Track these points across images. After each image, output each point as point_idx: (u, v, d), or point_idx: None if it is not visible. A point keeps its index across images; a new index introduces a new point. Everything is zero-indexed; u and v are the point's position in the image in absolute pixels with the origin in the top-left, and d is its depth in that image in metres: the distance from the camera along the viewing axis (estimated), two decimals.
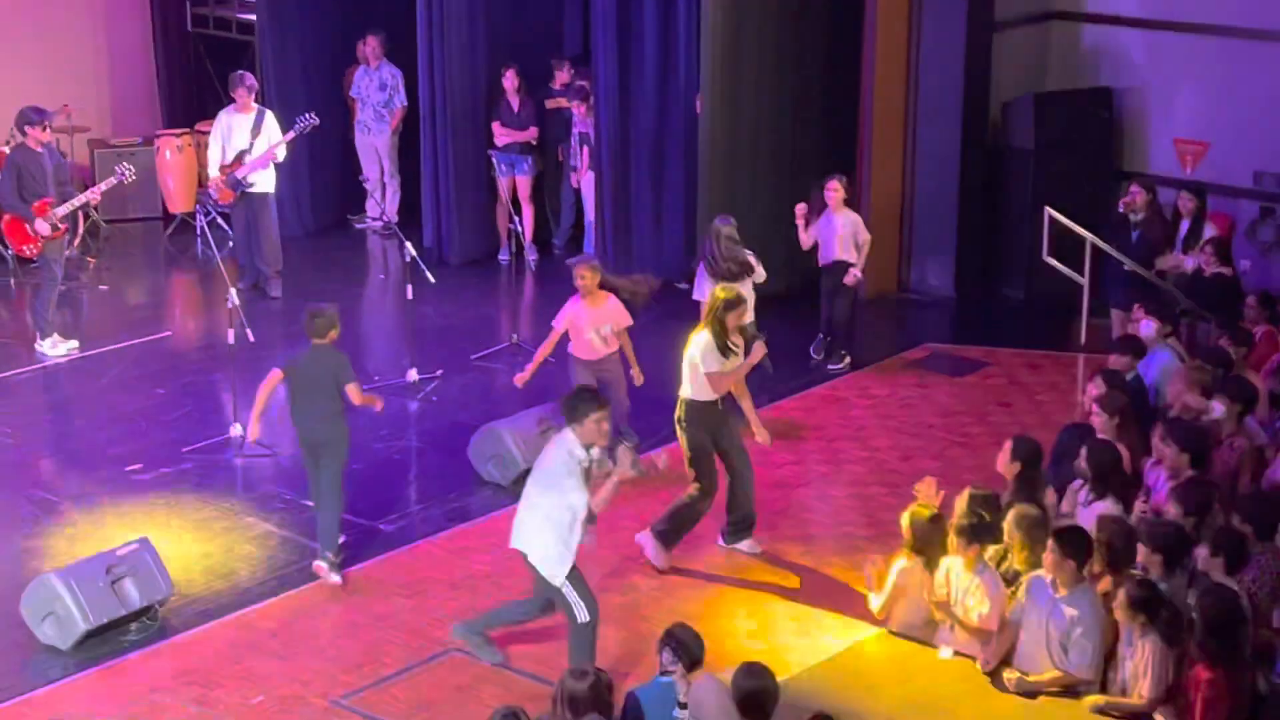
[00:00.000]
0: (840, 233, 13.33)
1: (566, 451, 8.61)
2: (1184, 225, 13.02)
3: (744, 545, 10.45)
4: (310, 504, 10.51)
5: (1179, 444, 9.21)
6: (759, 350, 10.29)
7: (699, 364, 10.09)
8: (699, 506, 10.21)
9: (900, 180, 15.20)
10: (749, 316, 11.72)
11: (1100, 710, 7.87)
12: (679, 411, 10.24)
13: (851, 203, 13.57)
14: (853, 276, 13.50)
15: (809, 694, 8.09)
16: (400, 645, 9.27)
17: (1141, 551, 8.27)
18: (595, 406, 8.65)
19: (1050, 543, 8.16)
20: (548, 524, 8.60)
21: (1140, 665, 7.77)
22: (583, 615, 8.67)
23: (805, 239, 13.34)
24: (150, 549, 9.59)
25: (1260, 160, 14.46)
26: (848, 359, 13.65)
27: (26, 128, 13.55)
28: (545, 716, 6.91)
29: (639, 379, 11.48)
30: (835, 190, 13.25)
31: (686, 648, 7.35)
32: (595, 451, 8.68)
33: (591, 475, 8.67)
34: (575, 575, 8.67)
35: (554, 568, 8.63)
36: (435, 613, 9.66)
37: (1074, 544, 8.13)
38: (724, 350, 10.10)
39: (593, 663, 8.24)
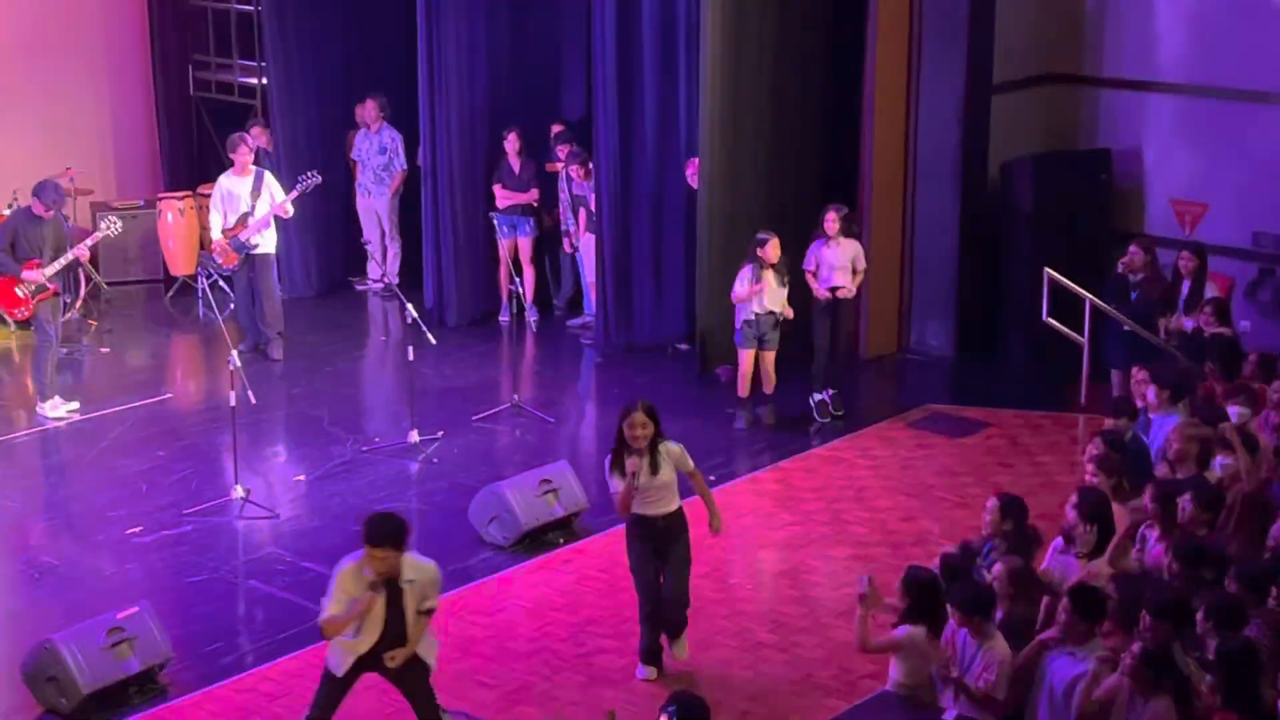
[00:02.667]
0: (838, 262, 13.46)
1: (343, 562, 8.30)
2: (1185, 285, 13.04)
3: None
4: (310, 566, 10.50)
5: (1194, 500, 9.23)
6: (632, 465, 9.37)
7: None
8: (643, 615, 9.68)
9: (900, 241, 15.25)
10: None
11: None
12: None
13: (852, 231, 13.69)
14: (845, 292, 13.56)
15: None
16: (401, 709, 9.19)
17: (1145, 620, 8.23)
18: (377, 540, 8.12)
19: (1065, 602, 8.13)
20: None
21: None
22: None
23: (812, 283, 13.47)
24: (151, 612, 9.55)
25: (1259, 221, 14.50)
26: (840, 403, 13.68)
27: (38, 197, 13.56)
28: None
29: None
30: (832, 220, 13.41)
31: (689, 710, 7.30)
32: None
33: None
34: (329, 677, 8.44)
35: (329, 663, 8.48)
36: (437, 675, 9.61)
37: (1089, 604, 8.11)
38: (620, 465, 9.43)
39: None
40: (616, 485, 9.45)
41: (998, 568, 8.73)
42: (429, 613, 8.33)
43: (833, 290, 13.50)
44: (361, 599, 8.10)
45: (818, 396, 13.74)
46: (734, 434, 13.37)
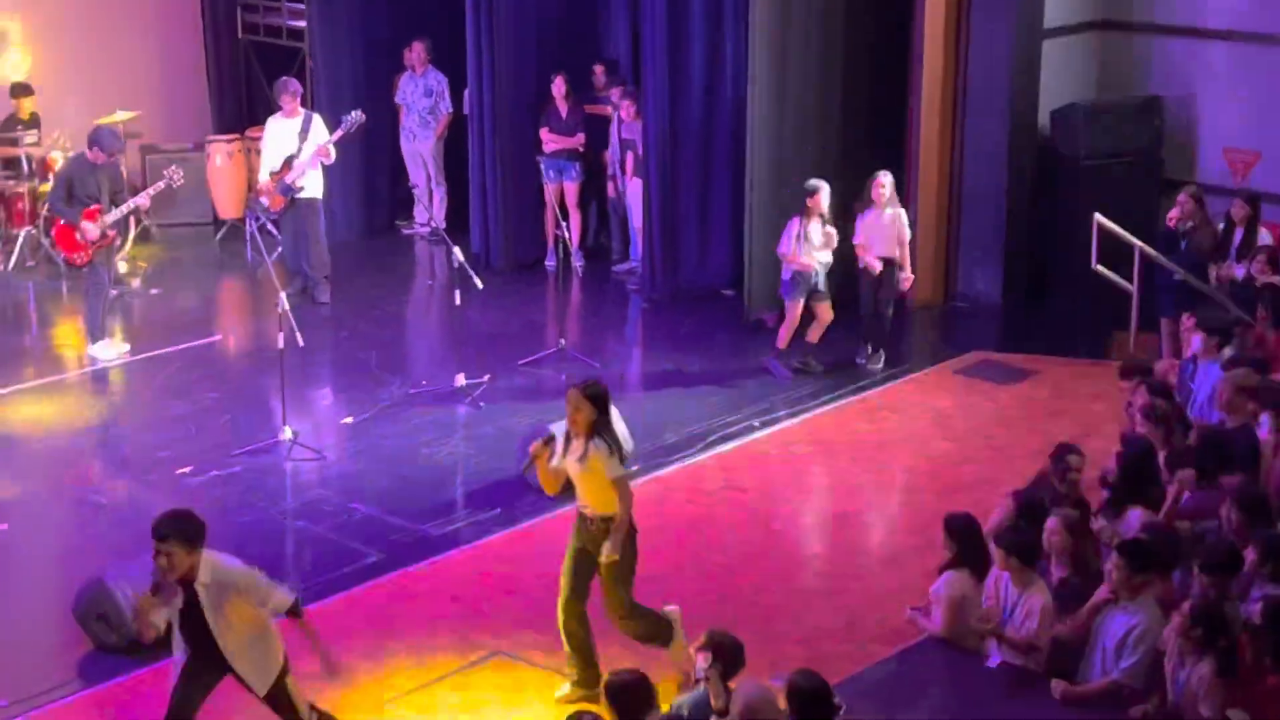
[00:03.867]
0: (887, 230, 13.37)
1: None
2: (1237, 233, 12.93)
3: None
4: (357, 507, 10.60)
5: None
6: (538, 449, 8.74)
7: None
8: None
9: (948, 189, 15.17)
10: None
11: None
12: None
13: (897, 199, 13.61)
14: (906, 281, 13.55)
15: (856, 700, 8.08)
16: (447, 648, 9.30)
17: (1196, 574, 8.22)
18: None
19: (1115, 557, 8.11)
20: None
21: (1196, 686, 7.69)
22: None
23: (869, 260, 13.39)
24: None
25: None
26: (883, 358, 13.65)
27: (97, 144, 13.61)
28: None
29: None
30: (882, 186, 13.30)
31: (726, 652, 7.33)
32: None
33: None
34: None
35: None
36: (481, 616, 9.70)
37: (1139, 557, 8.09)
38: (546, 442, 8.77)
39: None
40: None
41: (1052, 521, 8.69)
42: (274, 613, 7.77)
43: (885, 261, 13.41)
44: (137, 599, 7.63)
45: (861, 360, 13.70)
46: (779, 381, 13.35)
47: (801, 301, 13.32)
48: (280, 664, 7.84)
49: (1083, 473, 9.34)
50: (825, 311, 13.36)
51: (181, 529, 7.53)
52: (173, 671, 7.82)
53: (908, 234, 13.54)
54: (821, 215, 13.14)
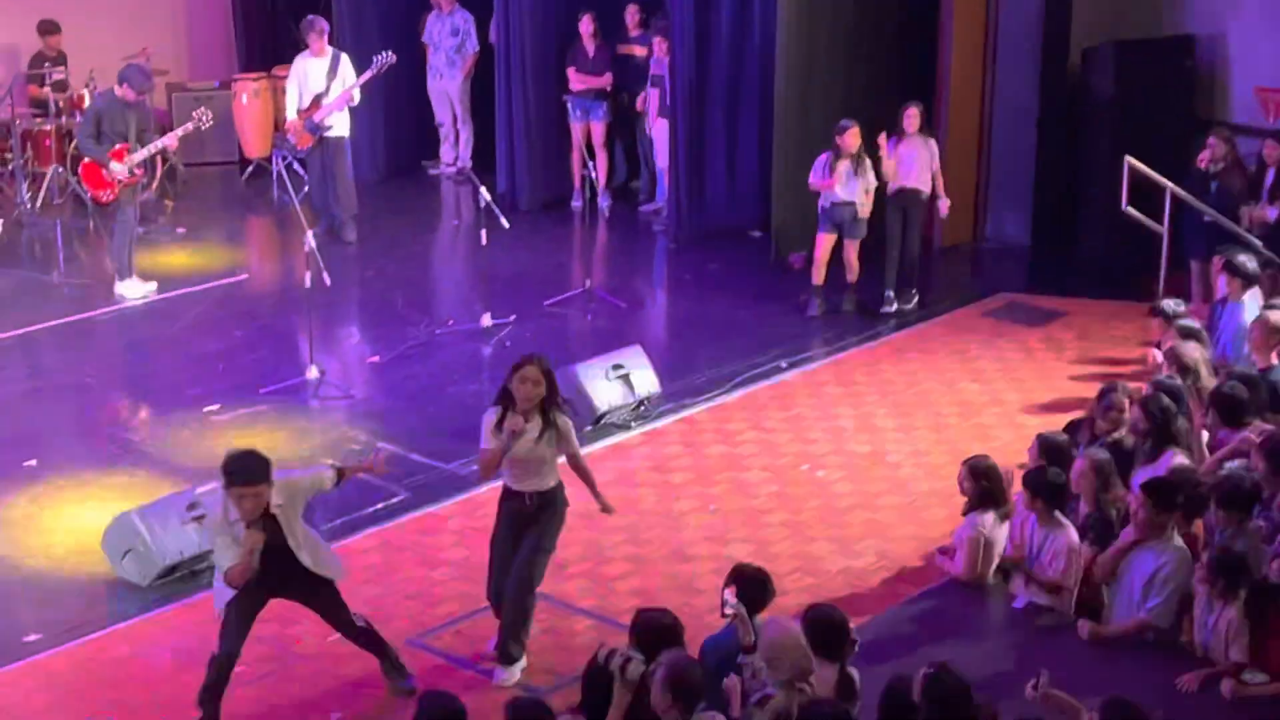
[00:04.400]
0: (918, 159, 13.29)
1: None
2: (1269, 174, 12.83)
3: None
4: (383, 446, 10.61)
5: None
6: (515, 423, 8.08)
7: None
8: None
9: (978, 129, 15.08)
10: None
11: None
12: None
13: (928, 129, 13.51)
14: (944, 205, 13.51)
15: (880, 639, 8.09)
16: (473, 586, 9.28)
17: (1213, 511, 8.19)
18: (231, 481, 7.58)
19: (1140, 495, 8.08)
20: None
21: (1225, 629, 7.67)
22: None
23: (889, 166, 13.29)
24: None
25: None
26: (916, 297, 13.61)
27: (127, 82, 13.56)
28: (624, 650, 6.88)
29: None
30: (913, 116, 13.23)
31: (752, 586, 7.32)
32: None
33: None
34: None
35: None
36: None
37: (1163, 495, 8.06)
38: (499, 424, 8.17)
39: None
40: (489, 442, 8.15)
41: (1080, 462, 8.65)
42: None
43: (914, 192, 13.35)
44: (246, 541, 7.59)
45: (889, 293, 13.64)
46: (807, 321, 13.32)
47: (831, 235, 13.25)
48: (340, 563, 8.19)
49: (1125, 412, 9.26)
50: (850, 251, 13.30)
51: (263, 467, 7.65)
52: (222, 606, 7.84)
53: (938, 164, 13.48)
54: (852, 155, 13.07)
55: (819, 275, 13.41)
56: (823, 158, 13.13)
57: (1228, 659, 7.62)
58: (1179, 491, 8.15)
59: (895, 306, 13.56)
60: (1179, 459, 8.83)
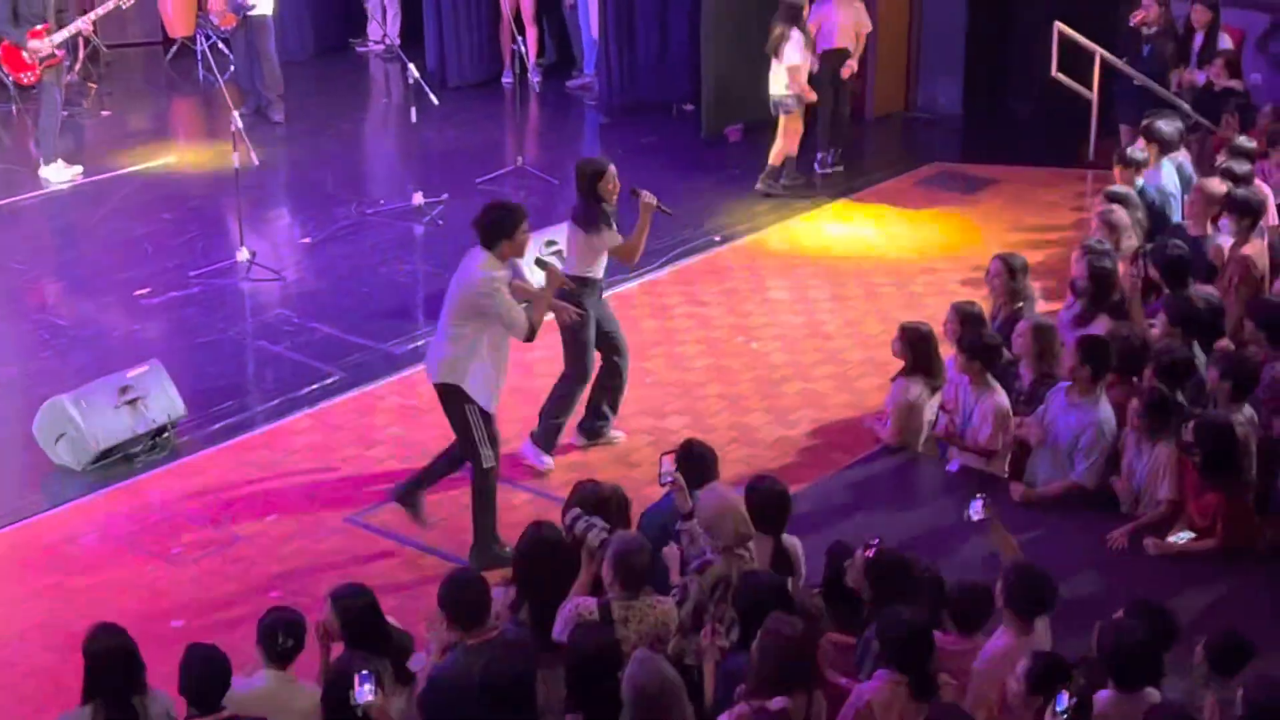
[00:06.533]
0: (843, 21, 13.21)
1: (484, 272, 8.03)
2: (1198, 39, 12.84)
3: (614, 434, 9.54)
4: (317, 326, 10.58)
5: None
6: (648, 201, 9.14)
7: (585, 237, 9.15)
8: (576, 393, 9.34)
9: None
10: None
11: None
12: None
13: None
14: (848, 69, 13.39)
15: (817, 506, 8.17)
16: (411, 463, 9.30)
17: (1149, 372, 8.26)
18: (520, 216, 8.12)
19: (1073, 350, 8.15)
20: (471, 354, 8.10)
21: (1157, 470, 7.79)
22: (487, 460, 8.19)
23: (809, 30, 13.09)
24: (161, 371, 9.60)
25: None
26: (840, 158, 13.58)
27: None
28: (573, 515, 6.91)
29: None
30: None
31: (693, 459, 7.34)
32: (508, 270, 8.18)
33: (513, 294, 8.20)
34: (487, 417, 8.19)
35: (486, 400, 8.15)
36: (445, 430, 9.69)
37: (1095, 352, 8.13)
38: (606, 221, 9.10)
39: (494, 518, 8.20)
40: (611, 240, 9.06)
41: (1022, 324, 8.69)
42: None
43: (839, 53, 13.27)
44: (551, 277, 8.23)
45: (820, 155, 13.61)
46: (741, 194, 13.28)
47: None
48: None
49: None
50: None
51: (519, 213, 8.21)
52: (484, 401, 8.12)
53: (868, 25, 13.40)
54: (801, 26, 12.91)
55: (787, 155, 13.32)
56: (796, 36, 12.83)
57: (1158, 502, 7.74)
58: (1108, 350, 8.21)
59: (831, 167, 13.53)
60: (1109, 322, 8.90)
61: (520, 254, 8.25)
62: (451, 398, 8.19)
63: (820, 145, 13.58)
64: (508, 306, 8.00)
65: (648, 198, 9.13)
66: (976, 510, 6.94)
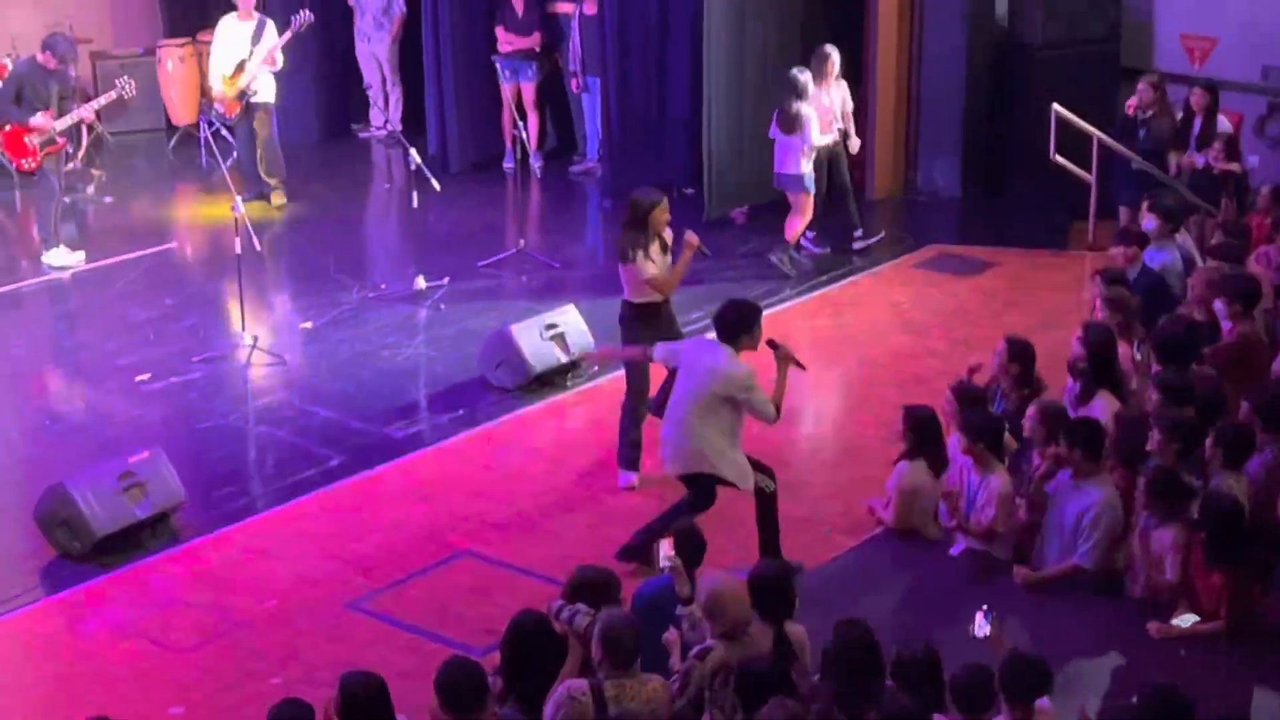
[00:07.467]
0: (832, 108, 13.35)
1: (739, 366, 8.66)
2: (1197, 122, 12.91)
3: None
4: (318, 410, 10.56)
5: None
6: (690, 240, 9.98)
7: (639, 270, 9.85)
8: (640, 412, 10.00)
9: (907, 79, 15.10)
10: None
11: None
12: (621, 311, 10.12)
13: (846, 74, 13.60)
14: (855, 144, 13.58)
15: (819, 590, 8.14)
16: (412, 549, 9.30)
17: (1155, 439, 8.24)
18: (759, 314, 8.81)
19: (1062, 436, 8.15)
20: (720, 442, 8.68)
21: (1163, 551, 7.76)
22: (760, 482, 8.82)
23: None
24: (162, 457, 9.60)
25: (1268, 55, 14.34)
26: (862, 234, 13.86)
27: (51, 50, 13.40)
28: (557, 606, 6.89)
29: None
30: (830, 64, 13.36)
31: (689, 542, 7.34)
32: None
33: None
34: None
35: (743, 480, 8.75)
36: (446, 516, 9.70)
37: (1085, 436, 8.12)
38: (638, 248, 9.87)
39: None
40: (652, 269, 9.77)
41: (1032, 408, 8.68)
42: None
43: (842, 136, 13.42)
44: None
45: (858, 231, 13.82)
46: (741, 274, 13.31)
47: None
48: None
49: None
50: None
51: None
52: None
53: (850, 105, 13.52)
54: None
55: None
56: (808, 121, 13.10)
57: (1165, 582, 7.71)
58: (1099, 433, 8.21)
59: (863, 243, 13.83)
60: (1110, 402, 8.90)
61: (755, 348, 8.78)
62: (701, 480, 8.76)
63: (854, 223, 13.77)
64: (762, 399, 8.58)
65: (690, 237, 9.91)
66: (982, 627, 6.91)
